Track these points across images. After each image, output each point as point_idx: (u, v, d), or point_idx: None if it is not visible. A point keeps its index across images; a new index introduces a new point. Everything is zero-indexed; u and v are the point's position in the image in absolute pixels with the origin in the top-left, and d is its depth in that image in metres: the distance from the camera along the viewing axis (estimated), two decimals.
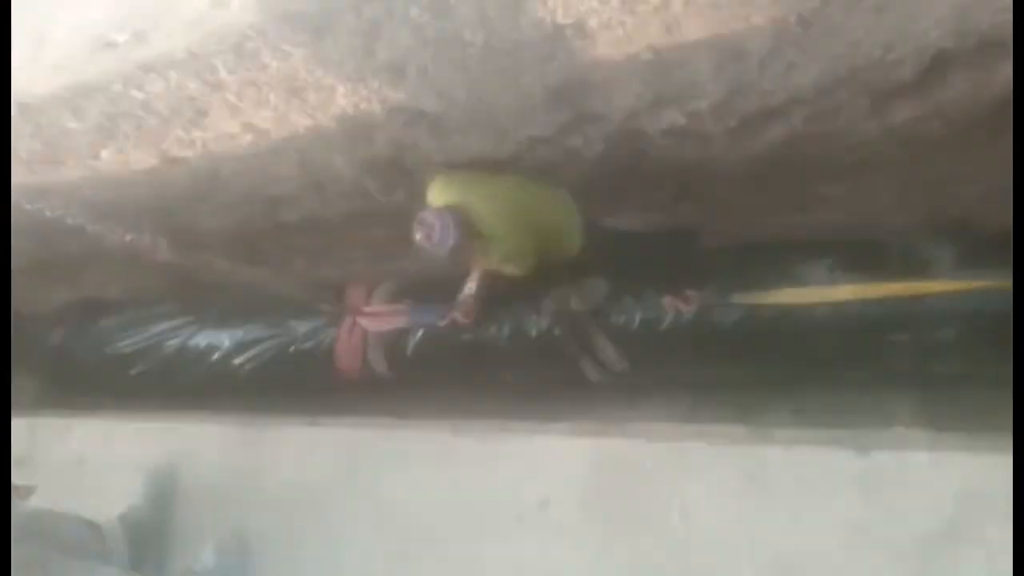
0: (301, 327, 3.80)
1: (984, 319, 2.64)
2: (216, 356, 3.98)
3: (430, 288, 3.64)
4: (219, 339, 3.99)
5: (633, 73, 2.61)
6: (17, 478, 2.84)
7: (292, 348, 3.81)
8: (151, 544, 2.38)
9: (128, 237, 2.37)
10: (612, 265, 3.24)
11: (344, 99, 2.76)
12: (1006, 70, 2.29)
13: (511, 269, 2.98)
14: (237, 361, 3.93)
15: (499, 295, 3.23)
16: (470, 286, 3.30)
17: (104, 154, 3.21)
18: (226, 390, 3.66)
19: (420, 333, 3.55)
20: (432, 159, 3.05)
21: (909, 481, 1.55)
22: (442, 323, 3.46)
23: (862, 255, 2.87)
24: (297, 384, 3.77)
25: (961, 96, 2.41)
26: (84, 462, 2.78)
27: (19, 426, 3.00)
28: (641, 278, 3.24)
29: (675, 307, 3.12)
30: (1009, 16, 2.08)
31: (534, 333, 3.29)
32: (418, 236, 2.69)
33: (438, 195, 2.93)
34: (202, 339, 4.04)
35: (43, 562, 2.00)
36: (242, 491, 2.33)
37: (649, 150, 3.06)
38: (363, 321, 3.61)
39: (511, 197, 2.96)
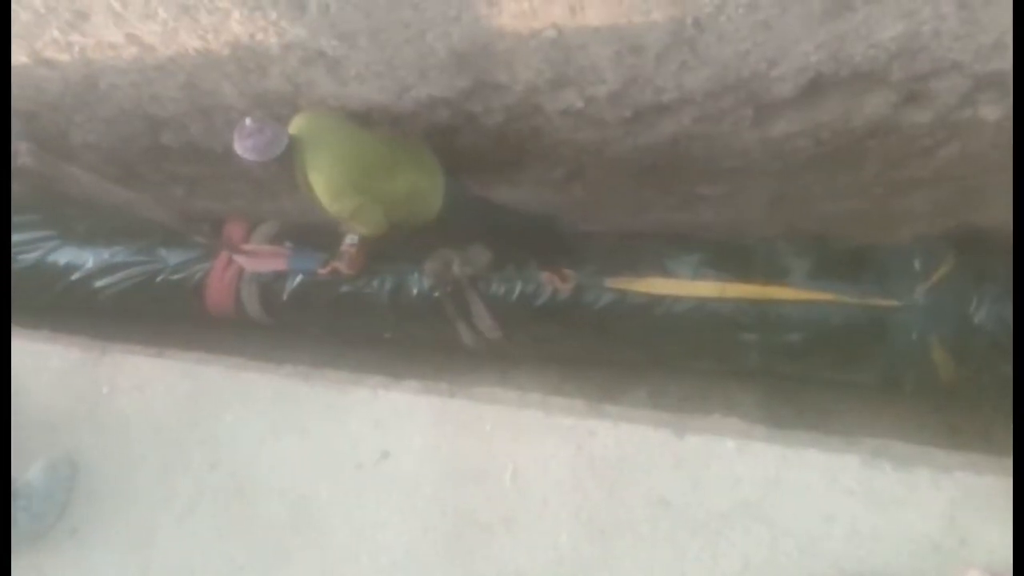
0: (172, 257, 3.65)
1: (827, 329, 2.83)
2: (76, 276, 3.78)
3: (312, 233, 3.57)
4: (82, 258, 3.79)
5: (537, 48, 2.63)
6: None
7: (160, 278, 3.65)
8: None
9: None
10: (497, 236, 3.27)
11: (239, 26, 2.65)
12: (874, 101, 2.45)
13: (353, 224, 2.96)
14: (99, 283, 3.75)
15: (383, 249, 3.21)
16: (353, 236, 3.26)
17: None
18: (81, 312, 3.48)
19: (298, 279, 3.49)
20: (327, 103, 2.98)
21: (714, 464, 1.67)
22: (323, 271, 3.41)
23: (728, 255, 3.01)
24: (159, 315, 3.63)
25: (833, 120, 2.56)
26: None
27: None
28: (524, 251, 3.29)
29: (553, 283, 3.20)
30: (878, 52, 2.23)
31: (415, 292, 3.29)
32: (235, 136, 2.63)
33: (294, 126, 2.86)
34: (63, 256, 3.83)
35: None
36: (76, 415, 2.24)
37: (547, 128, 3.10)
38: (240, 259, 3.51)
39: (360, 159, 2.90)
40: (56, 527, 2.10)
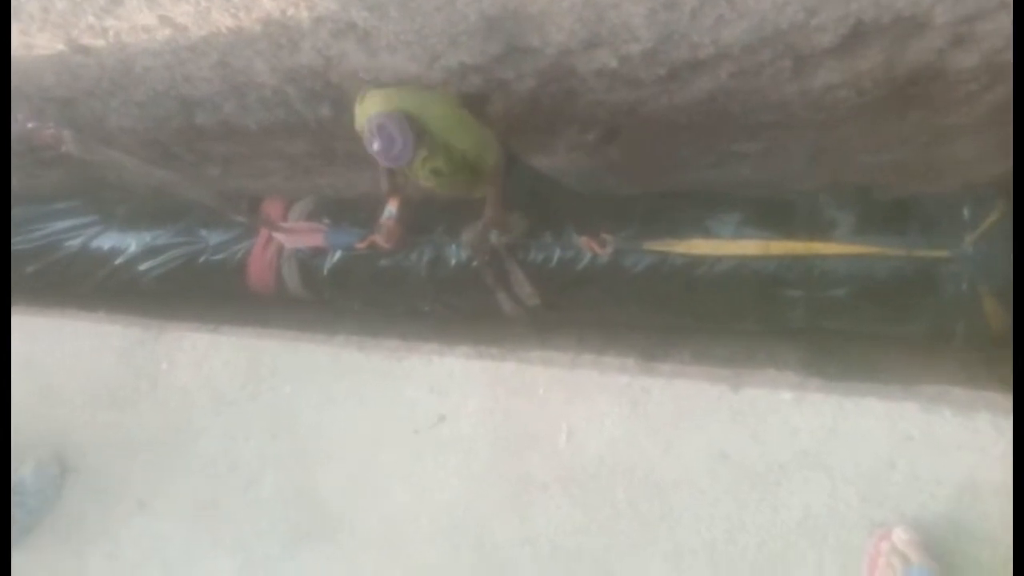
0: (213, 237, 3.71)
1: (874, 283, 2.80)
2: (120, 260, 3.86)
3: (349, 209, 3.60)
4: (125, 242, 3.87)
5: (569, 9, 2.59)
6: None
7: (202, 259, 3.72)
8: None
9: (30, 124, 2.23)
10: (534, 202, 3.27)
11: (270, 2, 2.65)
12: (917, 47, 2.39)
13: (444, 180, 2.93)
14: (143, 267, 3.83)
15: (421, 222, 3.23)
16: (390, 209, 3.28)
17: None
18: (128, 295, 3.55)
19: (337, 254, 3.52)
20: (359, 75, 2.98)
21: (771, 416, 1.67)
22: (361, 245, 3.44)
23: (770, 213, 2.98)
24: (204, 295, 3.70)
25: (874, 68, 2.50)
26: None
27: None
28: (561, 217, 3.29)
29: (592, 248, 3.20)
30: None
31: (453, 263, 3.31)
32: (375, 146, 2.56)
33: (376, 105, 2.82)
34: (106, 241, 3.91)
35: None
36: (139, 391, 2.30)
37: (580, 90, 3.07)
38: (279, 236, 3.55)
39: (442, 108, 2.88)
40: (126, 501, 2.17)
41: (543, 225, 3.30)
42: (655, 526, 1.70)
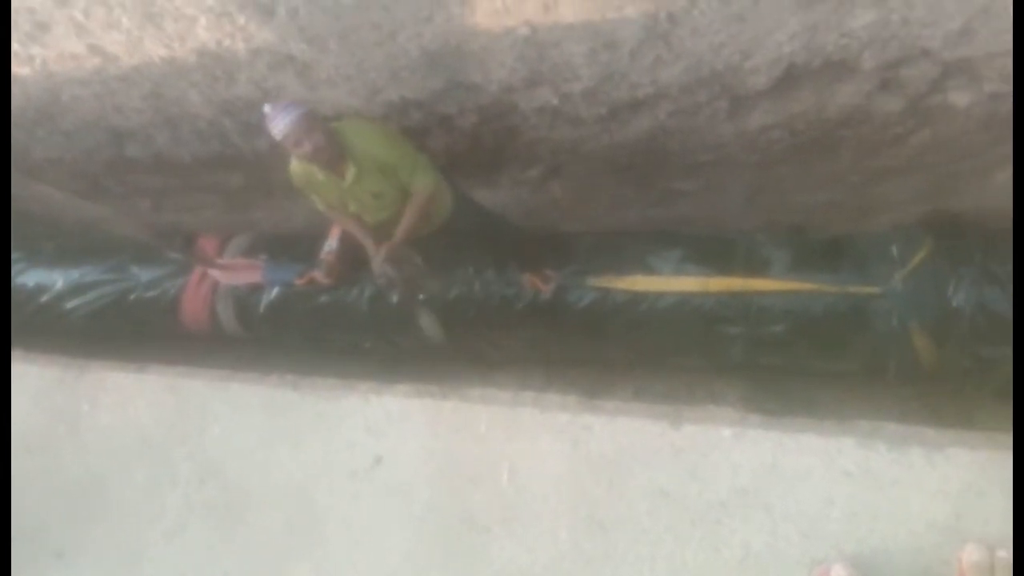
0: (144, 274, 3.60)
1: (809, 319, 2.86)
2: (45, 298, 3.71)
3: (287, 244, 3.53)
4: (51, 279, 3.72)
5: (510, 47, 2.62)
6: None
7: (133, 296, 3.60)
8: None
9: None
10: (477, 237, 3.26)
11: (206, 32, 2.60)
12: (846, 90, 2.48)
13: (367, 213, 2.86)
14: (69, 305, 3.68)
15: (362, 257, 3.17)
16: (331, 243, 3.22)
17: None
18: (53, 334, 3.39)
19: (275, 291, 3.44)
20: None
21: (712, 453, 1.67)
22: (299, 281, 3.37)
23: (709, 250, 3.03)
24: (135, 335, 3.56)
25: (807, 110, 2.58)
26: None
27: None
28: (504, 253, 3.29)
29: (535, 284, 3.19)
30: (850, 41, 2.26)
31: (396, 299, 3.26)
32: (265, 108, 2.47)
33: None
34: (31, 278, 3.76)
35: None
36: (56, 435, 2.17)
37: (522, 127, 3.09)
38: (215, 273, 3.46)
39: (368, 123, 2.83)
40: (43, 553, 2.03)
41: (486, 261, 3.29)
42: (599, 566, 1.67)
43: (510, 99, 2.90)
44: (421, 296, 3.13)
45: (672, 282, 3.01)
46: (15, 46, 2.81)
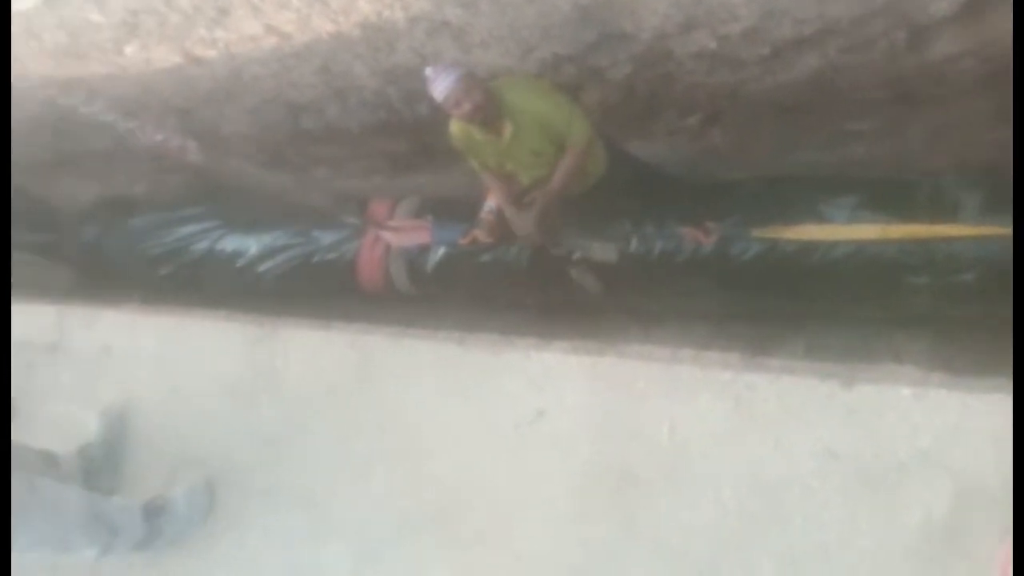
0: (325, 237, 3.85)
1: (1004, 266, 2.59)
2: (242, 262, 4.07)
3: (452, 205, 3.65)
4: (246, 245, 4.07)
5: None
6: (47, 364, 2.99)
7: (316, 258, 3.88)
8: (106, 474, 2.53)
9: (158, 137, 2.38)
10: (633, 192, 3.21)
11: (367, 5, 2.72)
12: None
13: (524, 170, 2.91)
14: (262, 268, 4.02)
15: None
16: (490, 204, 3.30)
17: (128, 50, 3.21)
18: (249, 294, 3.75)
19: (441, 250, 3.59)
20: None
21: (889, 414, 1.58)
22: (463, 240, 3.49)
23: (888, 194, 2.81)
24: (318, 293, 3.85)
25: (1000, 36, 2.30)
26: (109, 350, 2.90)
27: (48, 312, 3.13)
28: (662, 206, 3.22)
29: (695, 238, 3.11)
30: None
31: (553, 255, 3.30)
32: (427, 71, 2.57)
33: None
34: (229, 243, 4.12)
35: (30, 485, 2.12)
36: (256, 388, 2.43)
37: (678, 74, 3.00)
38: (385, 235, 3.65)
39: (524, 79, 2.87)
40: (250, 492, 2.30)
41: (644, 215, 3.24)
42: (764, 526, 1.64)
43: (664, 46, 2.81)
44: (576, 253, 3.15)
45: (847, 230, 2.82)
46: (201, 31, 3.07)
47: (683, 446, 1.75)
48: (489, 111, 2.66)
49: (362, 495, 2.17)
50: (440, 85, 2.55)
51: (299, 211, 3.87)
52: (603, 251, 3.11)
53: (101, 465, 2.56)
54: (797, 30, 2.49)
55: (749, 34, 2.60)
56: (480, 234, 3.36)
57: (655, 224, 3.20)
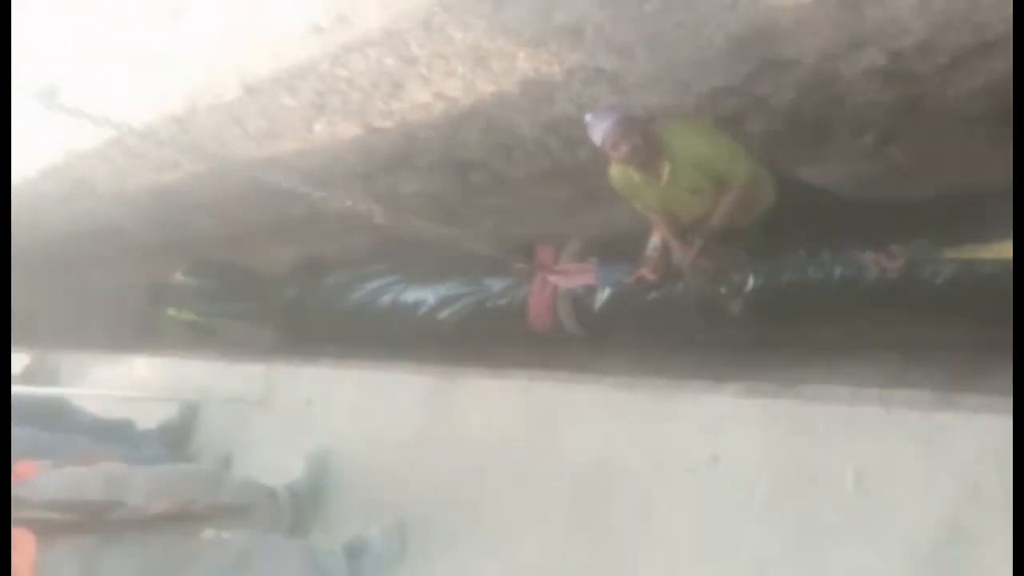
0: (496, 284, 4.01)
1: None
2: (422, 311, 4.33)
3: (616, 245, 3.68)
4: (424, 295, 4.32)
5: (824, 16, 2.45)
6: (259, 418, 3.33)
7: (488, 303, 4.04)
8: (309, 510, 2.72)
9: (348, 203, 2.63)
10: (807, 219, 3.08)
11: (525, 63, 2.85)
12: None
13: (684, 209, 2.89)
14: (441, 316, 4.25)
15: None
16: (655, 241, 3.29)
17: (316, 127, 3.57)
18: (430, 342, 3.97)
19: (607, 290, 3.62)
20: None
21: None
22: (629, 280, 3.50)
23: None
24: (492, 338, 4.00)
25: None
26: (311, 403, 3.19)
27: (258, 371, 3.50)
28: (839, 231, 3.05)
29: (878, 263, 2.92)
30: None
31: (723, 291, 3.22)
32: (587, 117, 2.64)
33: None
34: (410, 295, 4.40)
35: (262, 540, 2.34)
36: (435, 434, 2.56)
37: (848, 94, 2.87)
38: (553, 278, 3.74)
39: (683, 120, 2.87)
40: (436, 534, 2.42)
41: (820, 242, 3.09)
42: None
43: (830, 67, 2.71)
44: (748, 285, 3.06)
45: None
46: (379, 104, 3.35)
47: (870, 491, 1.64)
48: (647, 153, 2.69)
49: (544, 540, 2.21)
50: (599, 129, 2.63)
51: (471, 261, 4.06)
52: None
53: (306, 501, 2.77)
54: (978, 36, 2.31)
55: (923, 46, 2.45)
56: (646, 272, 3.36)
57: (832, 250, 3.03)
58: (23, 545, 1.77)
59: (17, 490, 1.88)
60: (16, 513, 1.80)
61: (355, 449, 2.52)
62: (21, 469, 2.03)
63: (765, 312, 3.15)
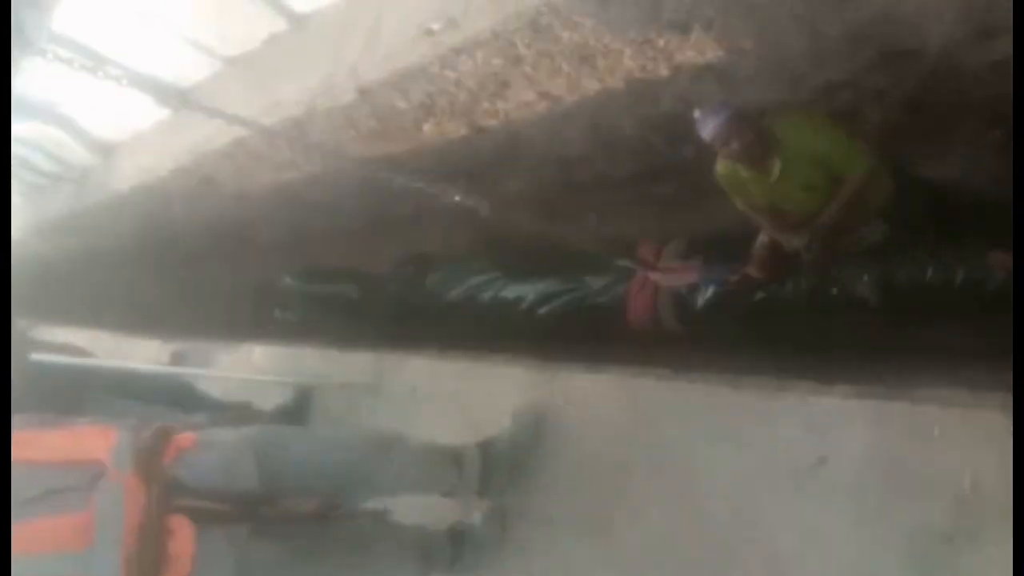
0: (596, 282, 4.03)
1: None
2: (523, 307, 4.39)
3: (720, 244, 3.63)
4: (524, 292, 4.39)
5: (949, 3, 2.35)
6: (368, 402, 3.46)
7: (588, 301, 4.07)
8: (501, 475, 2.49)
9: (457, 198, 2.72)
10: (927, 217, 2.94)
11: (631, 61, 2.86)
12: None
13: (796, 206, 2.82)
14: (541, 311, 4.30)
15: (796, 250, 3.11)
16: (762, 239, 3.23)
17: (425, 127, 3.69)
18: (528, 336, 4.02)
19: (711, 289, 3.57)
20: None
21: None
22: (733, 278, 3.44)
23: None
24: (589, 334, 4.02)
25: None
26: (415, 391, 3.30)
27: (367, 359, 3.65)
28: (964, 231, 2.90)
29: (1006, 265, 2.75)
30: None
31: (834, 291, 3.13)
32: (696, 113, 2.63)
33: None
34: (511, 292, 4.48)
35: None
36: (542, 427, 2.60)
37: (974, 86, 2.72)
38: (655, 276, 3.72)
39: (797, 115, 2.80)
40: (534, 520, 2.46)
41: (942, 242, 2.94)
42: None
43: (955, 58, 2.58)
44: (864, 279, 2.95)
45: None
46: (485, 104, 3.43)
47: (990, 499, 1.55)
48: (758, 149, 2.65)
49: (641, 532, 2.21)
50: (709, 125, 2.60)
51: (572, 259, 4.09)
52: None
53: (501, 462, 2.51)
54: None
55: None
56: (752, 270, 3.29)
57: (955, 251, 2.89)
58: (182, 534, 1.76)
59: (176, 471, 1.86)
60: (177, 500, 1.80)
61: (455, 436, 2.59)
62: (182, 435, 1.97)
63: (880, 313, 3.04)
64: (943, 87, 2.76)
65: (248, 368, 4.45)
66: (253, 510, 1.97)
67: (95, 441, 1.86)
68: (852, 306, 3.07)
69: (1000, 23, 2.34)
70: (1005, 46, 2.42)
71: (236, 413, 3.54)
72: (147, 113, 5.70)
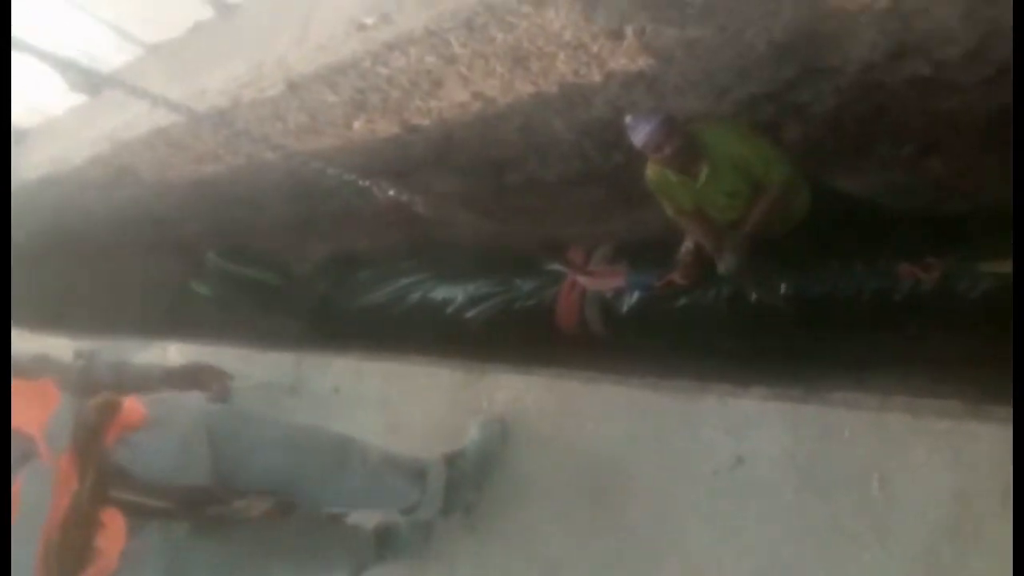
0: (525, 285, 4.04)
1: None
2: (451, 309, 4.37)
3: (647, 250, 3.69)
4: (453, 293, 4.37)
5: (869, 22, 2.44)
6: (289, 403, 3.38)
7: (517, 304, 4.07)
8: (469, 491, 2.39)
9: (391, 192, 2.68)
10: (841, 228, 3.06)
11: (564, 65, 2.87)
12: None
13: (719, 212, 2.89)
14: (469, 314, 4.29)
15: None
16: (687, 245, 3.29)
17: (356, 124, 3.62)
18: (457, 339, 4.00)
19: (636, 294, 3.62)
20: None
21: None
22: (658, 284, 3.50)
23: None
24: (519, 337, 4.03)
25: None
26: (338, 392, 3.23)
27: (288, 359, 3.55)
28: (874, 242, 3.03)
29: (913, 275, 2.89)
30: None
31: (754, 298, 3.21)
32: (627, 119, 2.66)
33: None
34: (439, 293, 4.45)
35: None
36: (464, 426, 2.58)
37: (889, 103, 2.85)
38: (582, 280, 3.75)
39: (722, 123, 2.89)
40: (457, 526, 2.44)
41: (854, 253, 3.06)
42: None
43: (872, 76, 2.69)
44: (781, 291, 3.05)
45: None
46: (418, 102, 3.39)
47: (895, 499, 1.62)
48: (687, 154, 2.71)
49: (565, 534, 2.23)
50: (641, 131, 2.64)
51: (500, 261, 4.09)
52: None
53: (468, 476, 2.38)
54: None
55: (970, 56, 2.43)
56: (677, 276, 3.36)
57: (866, 262, 3.01)
58: (114, 527, 1.57)
59: (119, 454, 1.64)
60: (115, 491, 1.59)
61: (381, 438, 2.54)
62: (129, 407, 1.72)
63: (794, 321, 3.14)
64: (860, 104, 2.87)
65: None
66: (200, 509, 1.76)
67: (32, 406, 1.62)
68: (769, 313, 3.16)
69: (914, 42, 2.45)
70: (918, 65, 2.53)
71: None
72: (61, 98, 5.42)
